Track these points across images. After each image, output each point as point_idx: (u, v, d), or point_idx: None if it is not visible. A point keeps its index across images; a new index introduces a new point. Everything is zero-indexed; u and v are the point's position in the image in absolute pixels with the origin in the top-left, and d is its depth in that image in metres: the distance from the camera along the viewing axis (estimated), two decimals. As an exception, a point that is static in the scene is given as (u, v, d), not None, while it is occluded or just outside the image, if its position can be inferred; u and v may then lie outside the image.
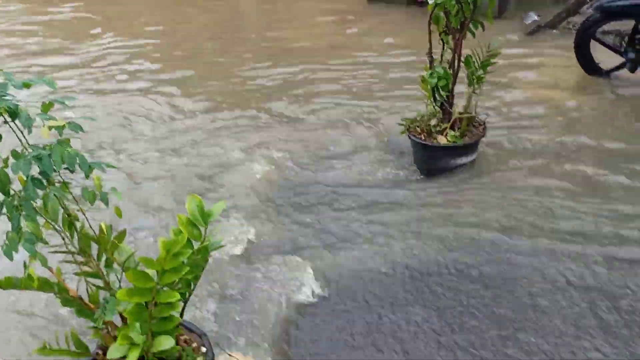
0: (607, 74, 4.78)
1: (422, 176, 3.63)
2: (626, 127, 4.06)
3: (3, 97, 1.62)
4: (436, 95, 3.52)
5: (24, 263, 1.65)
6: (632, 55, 4.53)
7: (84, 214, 1.80)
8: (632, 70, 4.59)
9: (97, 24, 7.19)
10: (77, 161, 1.68)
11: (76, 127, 1.79)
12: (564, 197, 3.29)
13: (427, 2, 3.32)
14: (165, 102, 4.92)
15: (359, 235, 3.10)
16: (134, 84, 5.40)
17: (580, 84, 4.81)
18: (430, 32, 3.42)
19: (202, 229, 1.91)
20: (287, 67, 5.53)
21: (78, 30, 7.06)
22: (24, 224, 1.56)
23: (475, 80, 3.49)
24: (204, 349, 1.97)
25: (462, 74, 3.53)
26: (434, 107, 3.58)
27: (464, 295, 2.65)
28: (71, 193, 1.77)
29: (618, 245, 2.87)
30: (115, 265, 1.87)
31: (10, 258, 1.52)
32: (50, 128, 1.75)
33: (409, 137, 3.62)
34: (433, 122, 3.58)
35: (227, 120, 4.57)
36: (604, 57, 4.77)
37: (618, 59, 4.67)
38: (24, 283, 1.68)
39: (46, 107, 1.77)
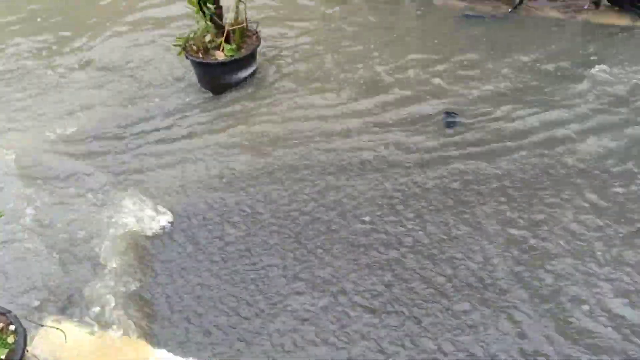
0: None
1: (211, 95, 3.61)
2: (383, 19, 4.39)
3: None
4: (204, 9, 3.44)
5: None
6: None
7: None
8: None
9: None
10: None
11: None
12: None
13: None
14: None
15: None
16: None
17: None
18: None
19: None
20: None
21: None
22: None
23: (239, -13, 3.46)
24: (12, 327, 1.86)
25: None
26: (205, 22, 3.50)
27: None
28: None
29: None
30: None
31: None
32: None
33: (187, 57, 3.53)
34: (207, 38, 3.53)
35: None
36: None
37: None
38: None
39: None
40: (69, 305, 2.37)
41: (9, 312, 1.93)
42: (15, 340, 1.83)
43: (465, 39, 4.00)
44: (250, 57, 3.61)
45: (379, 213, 2.75)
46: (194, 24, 3.59)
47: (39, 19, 4.62)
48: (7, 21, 4.60)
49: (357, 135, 3.22)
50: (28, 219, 2.80)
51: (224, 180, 3.00)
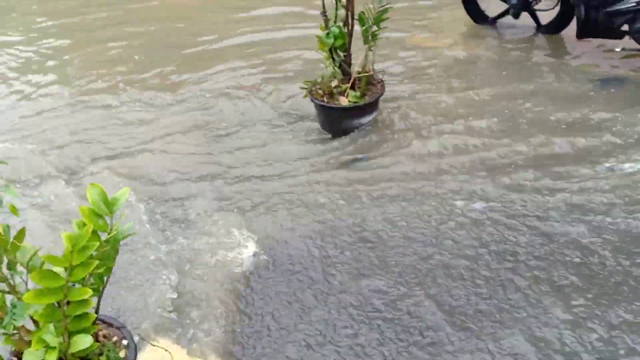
0: (493, 21, 5.01)
1: (329, 136, 3.68)
2: (512, 74, 4.29)
3: None
4: (334, 55, 3.55)
5: None
6: (514, 1, 4.75)
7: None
8: (516, 16, 4.82)
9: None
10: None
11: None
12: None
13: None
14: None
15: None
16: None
17: (469, 33, 5.01)
18: (323, -9, 3.42)
19: (108, 219, 1.85)
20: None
21: None
22: None
23: (370, 37, 3.54)
24: (125, 342, 1.93)
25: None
26: (333, 68, 3.61)
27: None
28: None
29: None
30: (19, 267, 1.78)
31: None
32: None
33: (312, 100, 3.64)
34: (334, 83, 3.62)
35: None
36: (491, 6, 4.99)
37: (503, 6, 4.90)
38: None
39: None
40: (174, 326, 2.45)
41: (124, 326, 2.01)
42: (126, 355, 1.90)
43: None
44: (373, 105, 3.66)
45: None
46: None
47: (153, 59, 5.02)
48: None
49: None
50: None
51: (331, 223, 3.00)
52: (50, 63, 5.10)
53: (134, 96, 4.37)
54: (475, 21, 5.04)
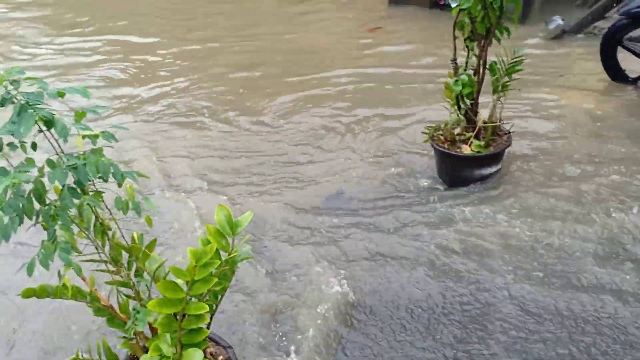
0: (634, 81, 4.71)
1: (445, 187, 3.60)
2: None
3: (39, 107, 1.63)
4: (460, 103, 3.49)
5: (58, 272, 1.66)
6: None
7: (116, 223, 1.81)
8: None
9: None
10: (111, 170, 1.69)
11: (109, 137, 1.80)
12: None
13: (451, 7, 3.29)
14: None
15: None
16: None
17: (607, 91, 4.74)
18: (454, 38, 3.39)
19: (230, 240, 1.91)
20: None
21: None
22: (59, 233, 1.57)
23: (500, 88, 3.45)
24: (230, 363, 1.96)
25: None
26: (458, 115, 3.55)
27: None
28: (104, 202, 1.78)
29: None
30: (145, 275, 1.88)
31: (47, 267, 1.53)
32: (84, 137, 1.77)
33: (432, 146, 3.59)
34: (457, 130, 3.55)
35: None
36: (632, 65, 4.71)
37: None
38: (58, 292, 1.69)
39: (80, 116, 1.79)
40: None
41: (230, 347, 2.05)
42: (229, 375, 1.93)
43: None
44: (497, 156, 3.54)
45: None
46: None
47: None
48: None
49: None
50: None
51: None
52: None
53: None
54: (613, 79, 4.77)
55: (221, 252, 1.91)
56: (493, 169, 3.56)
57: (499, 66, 3.40)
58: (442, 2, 7.13)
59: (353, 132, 4.39)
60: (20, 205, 1.50)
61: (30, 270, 1.55)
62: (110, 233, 1.80)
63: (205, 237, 1.91)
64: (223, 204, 1.92)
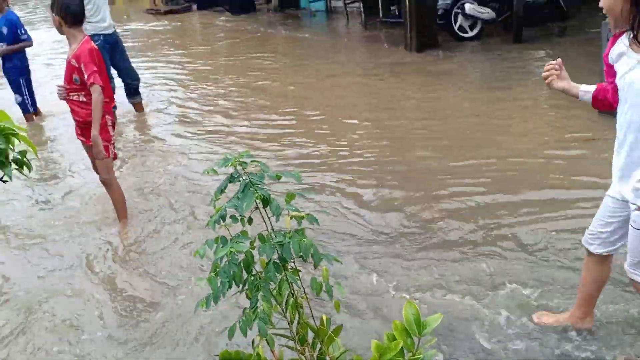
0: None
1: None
2: None
3: (260, 187, 1.82)
4: None
5: (253, 341, 1.76)
6: None
7: (308, 303, 1.88)
8: None
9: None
10: (311, 251, 1.78)
11: (313, 219, 1.92)
12: None
13: None
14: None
15: None
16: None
17: None
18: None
19: (416, 340, 1.85)
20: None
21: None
22: (259, 303, 1.67)
23: None
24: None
25: None
26: None
27: None
28: (300, 280, 1.87)
29: None
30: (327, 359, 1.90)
31: (244, 334, 1.63)
32: (291, 217, 1.91)
33: None
34: None
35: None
36: None
37: None
38: (252, 360, 1.78)
39: (290, 197, 1.95)
40: None
41: None
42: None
43: None
44: None
45: None
46: None
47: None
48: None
49: None
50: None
51: None
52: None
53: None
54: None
55: (405, 352, 1.87)
56: None
57: None
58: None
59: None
60: (232, 272, 1.65)
61: (231, 334, 1.66)
62: (300, 311, 1.87)
63: (390, 332, 1.88)
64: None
